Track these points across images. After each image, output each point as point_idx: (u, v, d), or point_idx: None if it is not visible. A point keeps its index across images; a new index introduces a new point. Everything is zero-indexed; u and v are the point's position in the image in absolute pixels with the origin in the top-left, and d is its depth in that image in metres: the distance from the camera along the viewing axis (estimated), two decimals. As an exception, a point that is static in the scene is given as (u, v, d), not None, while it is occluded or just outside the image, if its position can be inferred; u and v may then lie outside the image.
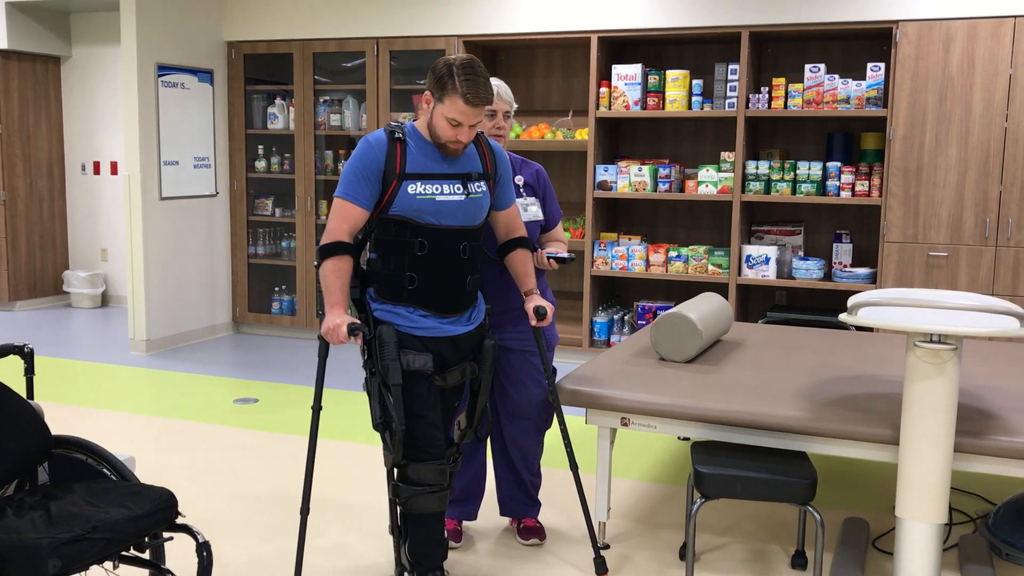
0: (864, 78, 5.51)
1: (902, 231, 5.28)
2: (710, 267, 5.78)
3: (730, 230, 5.84)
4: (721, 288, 5.92)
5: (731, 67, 5.62)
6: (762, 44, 5.89)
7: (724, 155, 5.69)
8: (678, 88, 5.74)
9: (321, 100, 6.74)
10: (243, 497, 3.78)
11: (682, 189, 5.88)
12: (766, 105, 5.58)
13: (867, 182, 5.43)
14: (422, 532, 2.77)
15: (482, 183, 2.84)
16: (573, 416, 4.89)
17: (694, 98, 5.75)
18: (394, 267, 2.74)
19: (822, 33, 5.59)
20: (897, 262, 5.31)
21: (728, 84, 5.65)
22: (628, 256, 5.94)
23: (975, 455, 2.86)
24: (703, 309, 3.68)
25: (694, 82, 5.75)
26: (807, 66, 5.48)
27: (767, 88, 5.61)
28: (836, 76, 5.44)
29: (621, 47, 6.26)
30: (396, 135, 2.72)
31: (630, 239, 6.04)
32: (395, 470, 2.78)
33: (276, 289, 7.09)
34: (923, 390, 2.68)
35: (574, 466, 3.05)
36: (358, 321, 2.69)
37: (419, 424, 2.72)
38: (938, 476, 2.72)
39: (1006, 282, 5.13)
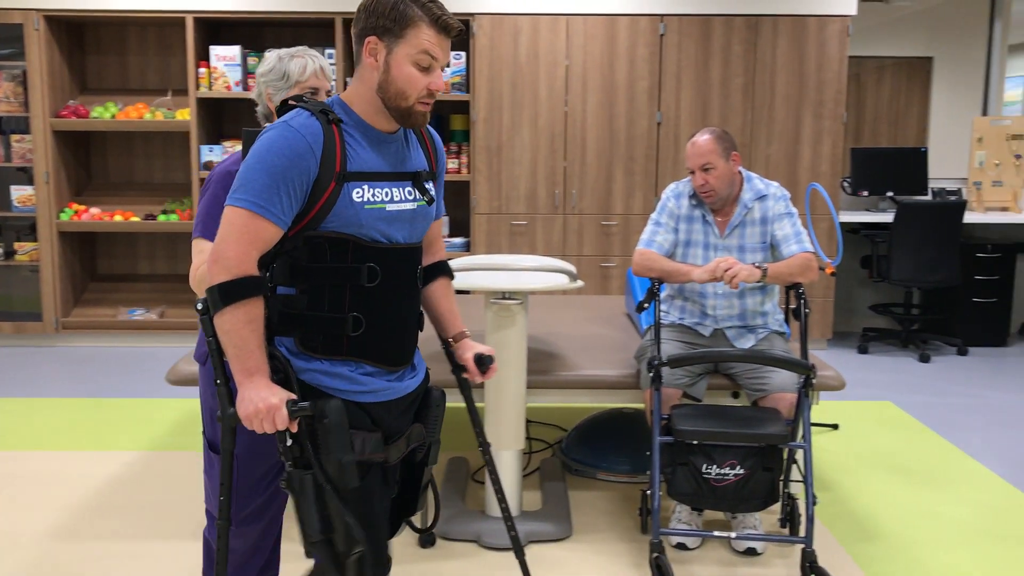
0: (449, 65, 6.06)
1: (488, 203, 5.94)
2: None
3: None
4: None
5: (328, 51, 5.89)
6: (357, 30, 6.23)
7: (327, 135, 5.96)
8: (279, 70, 5.90)
9: None
10: None
11: (289, 168, 6.07)
12: (363, 88, 5.93)
13: (458, 160, 6.01)
14: None
15: (431, 183, 2.05)
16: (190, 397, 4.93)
17: (295, 80, 5.94)
18: (329, 306, 1.87)
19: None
20: (486, 231, 5.96)
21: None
22: (239, 236, 6.01)
23: (545, 389, 3.45)
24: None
25: (294, 65, 5.93)
26: (398, 52, 5.91)
27: (363, 72, 5.96)
28: (425, 62, 5.94)
29: (217, 28, 6.27)
30: (330, 116, 1.83)
31: (240, 219, 6.11)
32: None
33: None
34: (499, 339, 3.19)
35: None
36: (295, 397, 1.81)
37: (372, 537, 1.90)
38: (516, 410, 3.25)
39: (573, 243, 5.99)
